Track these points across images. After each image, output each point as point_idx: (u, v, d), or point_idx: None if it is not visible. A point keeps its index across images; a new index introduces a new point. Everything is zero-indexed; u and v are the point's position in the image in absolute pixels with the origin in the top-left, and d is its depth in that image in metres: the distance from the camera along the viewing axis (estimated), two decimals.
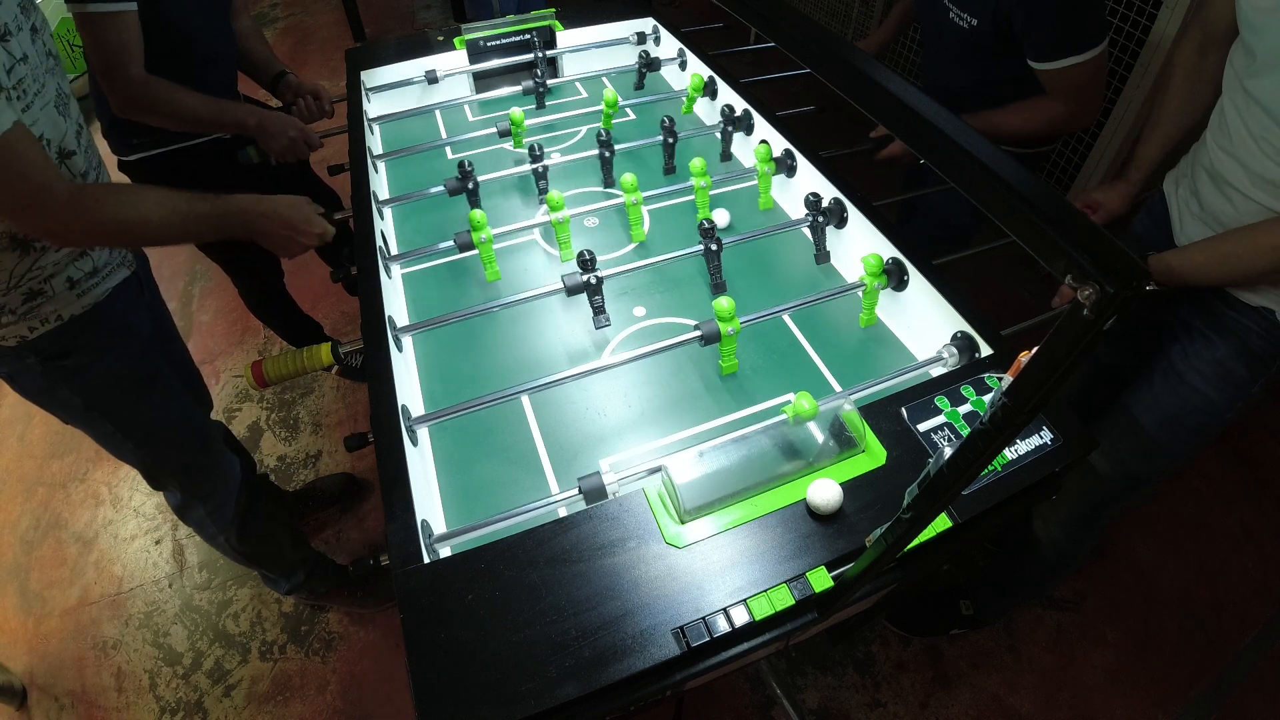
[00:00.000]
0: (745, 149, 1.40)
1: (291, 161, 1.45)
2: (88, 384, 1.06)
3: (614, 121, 1.45)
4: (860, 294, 1.03)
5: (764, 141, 1.26)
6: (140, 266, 1.20)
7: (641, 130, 1.49)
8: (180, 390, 1.23)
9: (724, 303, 0.92)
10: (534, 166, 1.27)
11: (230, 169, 1.51)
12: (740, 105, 1.37)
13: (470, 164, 1.21)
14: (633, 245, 1.20)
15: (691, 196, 1.26)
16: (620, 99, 1.46)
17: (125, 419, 1.13)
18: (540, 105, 1.56)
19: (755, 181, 1.26)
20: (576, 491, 0.77)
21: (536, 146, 1.27)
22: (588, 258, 1.00)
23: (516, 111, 1.35)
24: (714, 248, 1.06)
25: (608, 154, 1.30)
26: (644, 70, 1.59)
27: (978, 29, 1.22)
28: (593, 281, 1.00)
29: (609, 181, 1.34)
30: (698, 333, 0.92)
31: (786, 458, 0.77)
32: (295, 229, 1.05)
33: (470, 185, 1.21)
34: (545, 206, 1.11)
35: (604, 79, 1.68)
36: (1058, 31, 1.14)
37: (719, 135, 1.38)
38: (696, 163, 1.16)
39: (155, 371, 1.16)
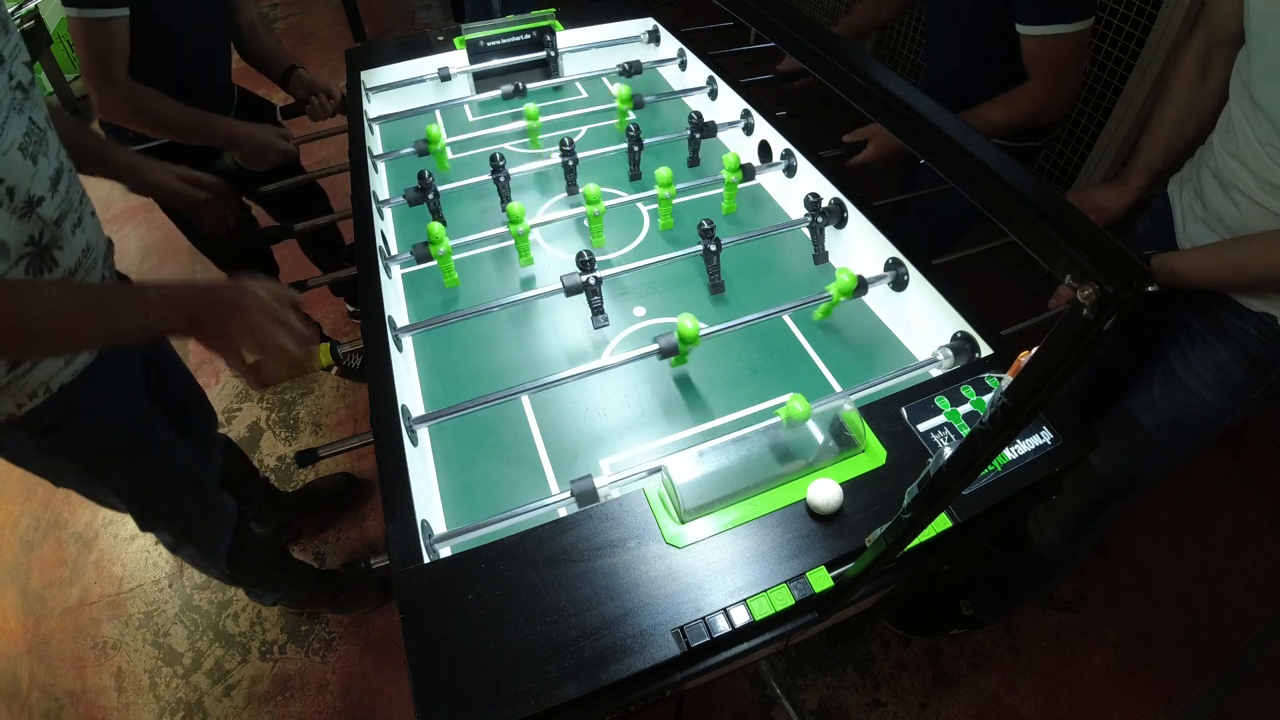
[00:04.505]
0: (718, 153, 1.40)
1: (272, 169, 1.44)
2: (80, 453, 1.01)
3: (608, 124, 1.45)
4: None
5: (761, 147, 1.26)
6: None
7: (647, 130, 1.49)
8: (177, 442, 1.16)
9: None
10: (533, 167, 1.27)
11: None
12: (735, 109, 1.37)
13: (431, 174, 1.21)
14: (638, 239, 1.20)
15: (700, 195, 1.28)
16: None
17: (119, 481, 1.09)
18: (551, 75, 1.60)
19: (721, 190, 1.26)
20: (569, 494, 0.77)
21: (568, 140, 1.28)
22: (586, 259, 1.00)
23: (531, 107, 1.36)
24: (713, 248, 1.06)
25: (637, 148, 1.31)
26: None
27: None
28: (591, 282, 1.00)
29: (635, 174, 1.35)
30: (655, 346, 0.91)
31: (786, 458, 0.77)
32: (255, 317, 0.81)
33: (430, 196, 1.21)
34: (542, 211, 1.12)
35: (604, 79, 1.67)
36: None
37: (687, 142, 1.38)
38: (663, 172, 1.16)
39: (150, 432, 1.10)
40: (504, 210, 1.12)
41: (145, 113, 1.27)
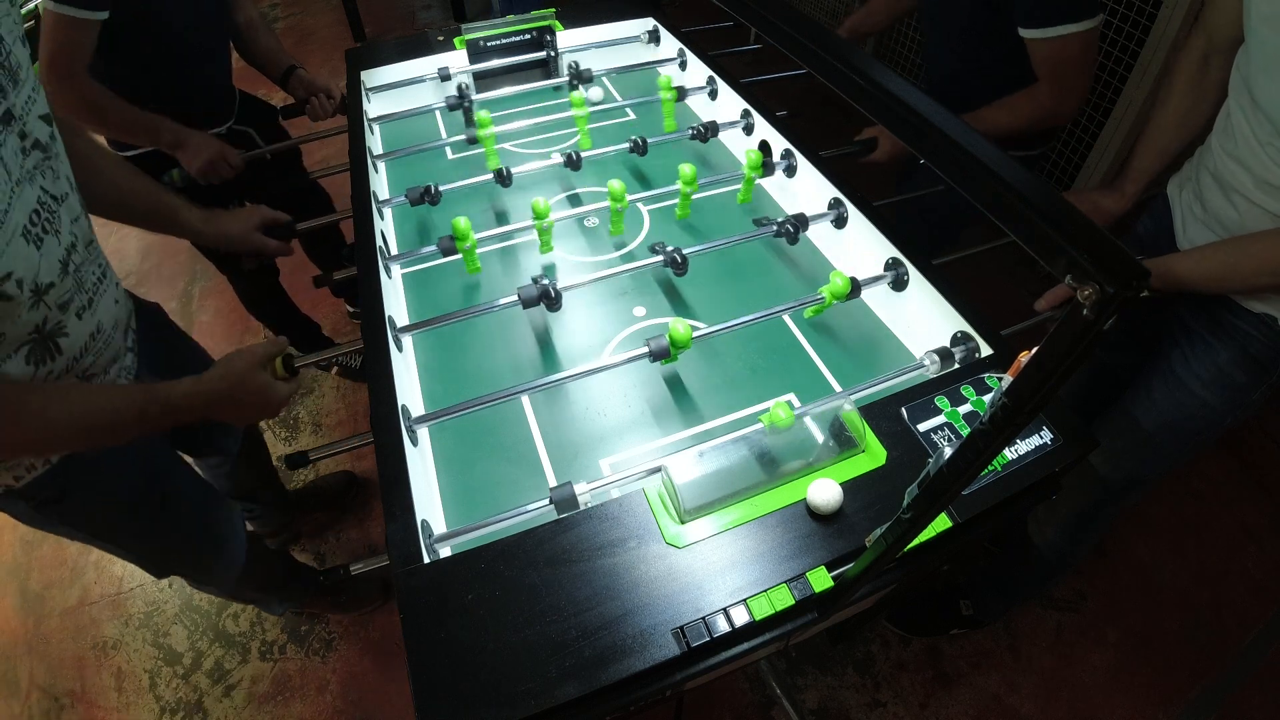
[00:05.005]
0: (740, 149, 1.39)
1: (215, 182, 1.41)
2: (86, 521, 0.98)
3: (608, 123, 1.45)
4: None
5: (763, 141, 1.26)
6: (145, 334, 1.03)
7: (647, 129, 1.49)
8: (190, 486, 1.14)
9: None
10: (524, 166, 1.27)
11: None
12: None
13: (436, 186, 1.23)
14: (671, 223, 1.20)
15: (712, 192, 1.29)
16: (620, 98, 1.46)
17: (130, 543, 1.07)
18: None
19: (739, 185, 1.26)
20: (548, 502, 0.76)
21: (575, 153, 1.29)
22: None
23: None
24: (678, 261, 1.06)
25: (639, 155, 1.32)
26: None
27: None
28: (551, 294, 0.99)
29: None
30: (646, 349, 0.91)
31: (786, 457, 0.77)
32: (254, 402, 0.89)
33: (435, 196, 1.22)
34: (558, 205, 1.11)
35: (604, 79, 1.67)
36: None
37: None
38: (685, 169, 1.15)
39: (162, 485, 1.06)
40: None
41: (98, 109, 1.26)
